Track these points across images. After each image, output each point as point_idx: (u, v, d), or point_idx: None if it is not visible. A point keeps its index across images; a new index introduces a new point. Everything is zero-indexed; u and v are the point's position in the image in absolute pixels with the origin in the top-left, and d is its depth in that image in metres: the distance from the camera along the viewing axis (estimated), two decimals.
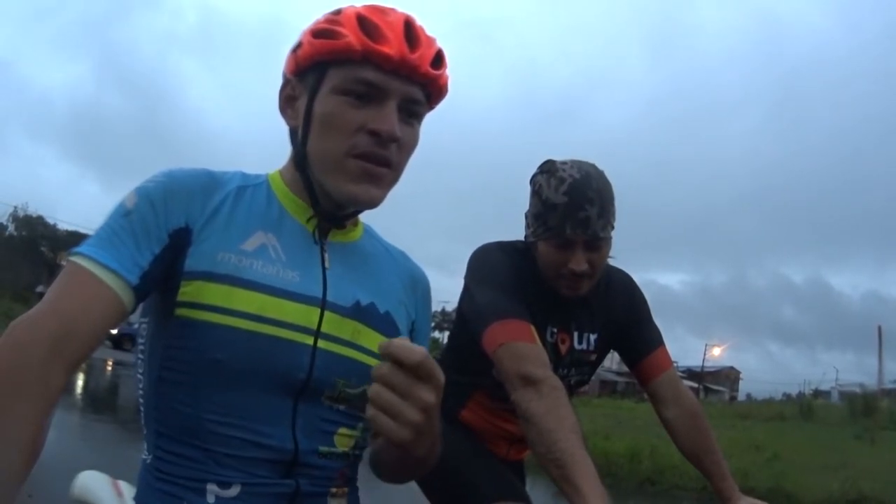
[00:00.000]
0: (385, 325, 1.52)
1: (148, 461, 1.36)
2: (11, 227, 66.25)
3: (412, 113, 1.44)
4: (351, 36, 1.35)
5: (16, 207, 67.36)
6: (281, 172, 1.53)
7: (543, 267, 2.28)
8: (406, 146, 1.44)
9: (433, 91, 1.46)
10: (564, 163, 2.24)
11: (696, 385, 66.16)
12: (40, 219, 66.26)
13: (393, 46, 1.36)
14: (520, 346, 2.07)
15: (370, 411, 1.17)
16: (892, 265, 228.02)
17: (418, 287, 1.67)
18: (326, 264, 1.46)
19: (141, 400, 1.40)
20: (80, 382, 19.55)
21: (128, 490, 1.42)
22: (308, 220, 1.48)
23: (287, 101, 1.47)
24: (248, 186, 1.46)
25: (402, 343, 1.16)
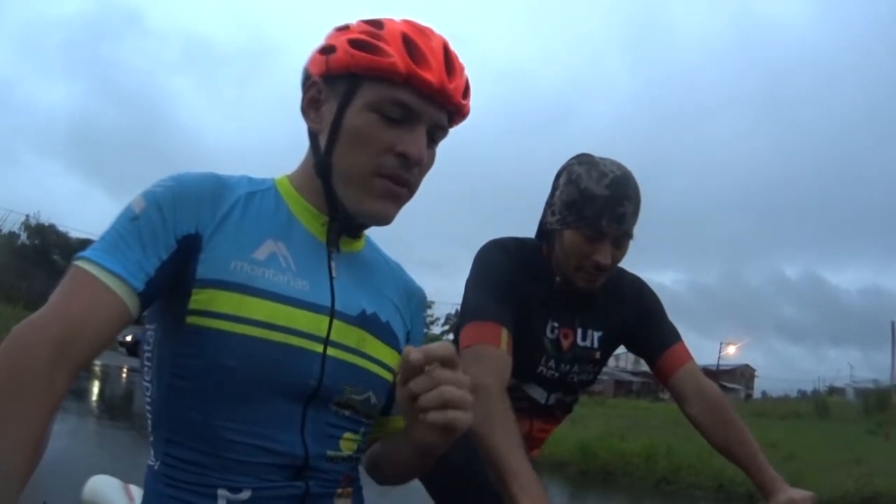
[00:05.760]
0: (386, 334, 1.54)
1: (156, 467, 1.36)
2: (24, 236, 66.35)
3: (435, 136, 1.46)
4: (396, 56, 1.35)
5: (28, 216, 67.47)
6: (290, 178, 1.53)
7: (565, 256, 2.29)
8: (425, 167, 1.46)
9: (457, 118, 1.48)
10: (603, 159, 2.28)
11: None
12: (52, 227, 66.34)
13: (434, 73, 1.37)
14: (481, 349, 2.12)
15: (450, 415, 1.22)
16: (888, 260, 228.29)
17: (413, 299, 1.69)
18: (333, 273, 1.47)
19: (149, 407, 1.40)
20: (95, 389, 19.62)
21: (139, 494, 1.42)
22: (322, 224, 1.48)
23: (311, 103, 1.47)
24: (257, 192, 1.46)
25: (439, 346, 1.24)
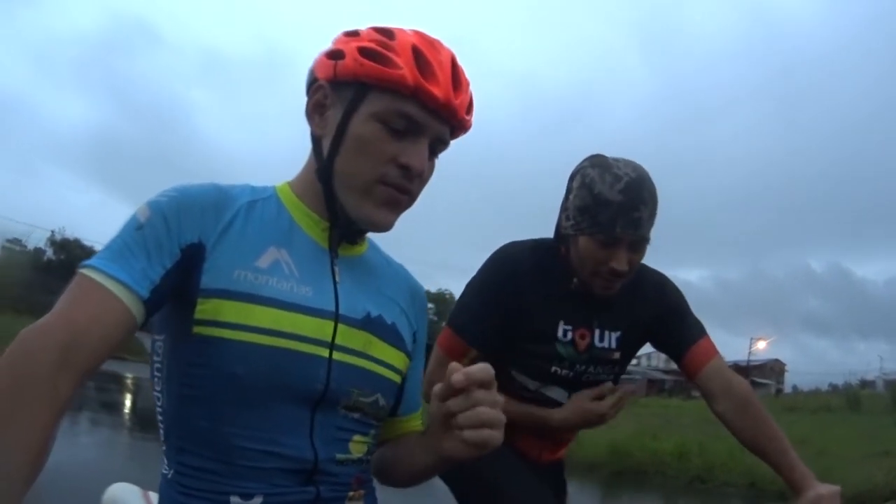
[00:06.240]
0: (392, 336, 1.55)
1: (169, 476, 1.37)
2: (50, 252, 66.98)
3: (436, 149, 1.47)
4: (406, 69, 1.36)
5: (53, 232, 68.19)
6: (291, 184, 1.54)
7: (580, 262, 2.27)
8: (425, 179, 1.48)
9: (459, 131, 1.50)
10: (617, 160, 2.23)
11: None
12: (78, 242, 66.84)
13: (441, 88, 1.39)
14: (445, 361, 2.16)
15: (485, 433, 1.28)
16: None
17: (417, 299, 1.70)
18: (337, 278, 1.48)
19: (160, 417, 1.42)
20: (128, 402, 19.72)
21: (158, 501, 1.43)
22: (323, 230, 1.50)
23: (316, 107, 1.47)
24: (258, 200, 1.47)
25: (478, 369, 1.27)
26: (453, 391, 1.28)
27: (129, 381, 26.29)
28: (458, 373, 1.26)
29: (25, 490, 1.06)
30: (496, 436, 1.28)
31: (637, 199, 2.14)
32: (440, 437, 1.36)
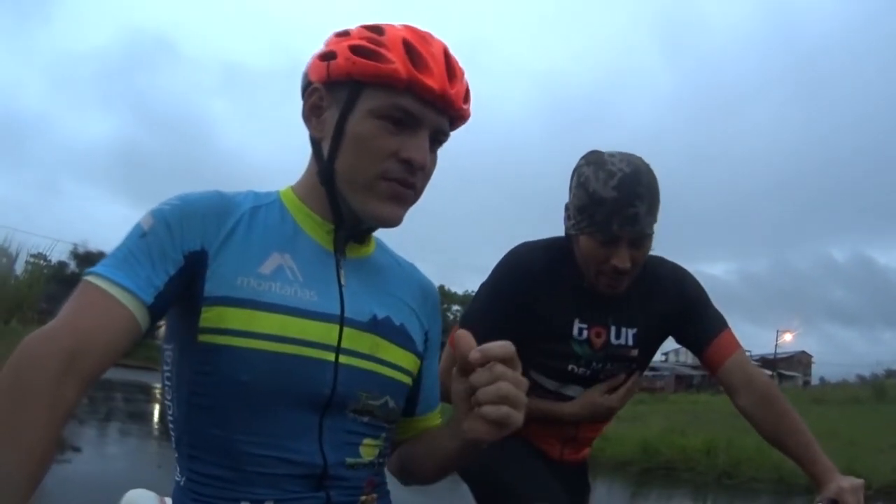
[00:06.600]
0: (401, 337, 1.54)
1: (182, 483, 1.39)
2: (73, 265, 67.24)
3: (437, 141, 1.47)
4: (398, 63, 1.36)
5: (76, 245, 68.52)
6: (294, 188, 1.55)
7: (583, 262, 2.26)
8: (429, 172, 1.47)
9: (458, 122, 1.49)
10: (612, 155, 2.20)
11: (770, 372, 65.29)
12: (101, 254, 67.06)
13: (436, 79, 1.38)
14: (454, 357, 2.18)
15: (503, 410, 1.23)
16: None
17: (429, 298, 1.69)
18: (342, 281, 1.47)
19: (171, 425, 1.43)
20: (155, 413, 19.75)
21: None
22: (327, 233, 1.49)
23: (312, 110, 1.48)
24: (261, 206, 1.47)
25: (498, 346, 1.25)
26: (471, 367, 1.25)
27: (156, 392, 26.31)
28: (475, 350, 1.24)
29: (30, 494, 1.07)
30: (515, 415, 1.24)
31: (632, 194, 2.11)
32: (462, 419, 1.34)
